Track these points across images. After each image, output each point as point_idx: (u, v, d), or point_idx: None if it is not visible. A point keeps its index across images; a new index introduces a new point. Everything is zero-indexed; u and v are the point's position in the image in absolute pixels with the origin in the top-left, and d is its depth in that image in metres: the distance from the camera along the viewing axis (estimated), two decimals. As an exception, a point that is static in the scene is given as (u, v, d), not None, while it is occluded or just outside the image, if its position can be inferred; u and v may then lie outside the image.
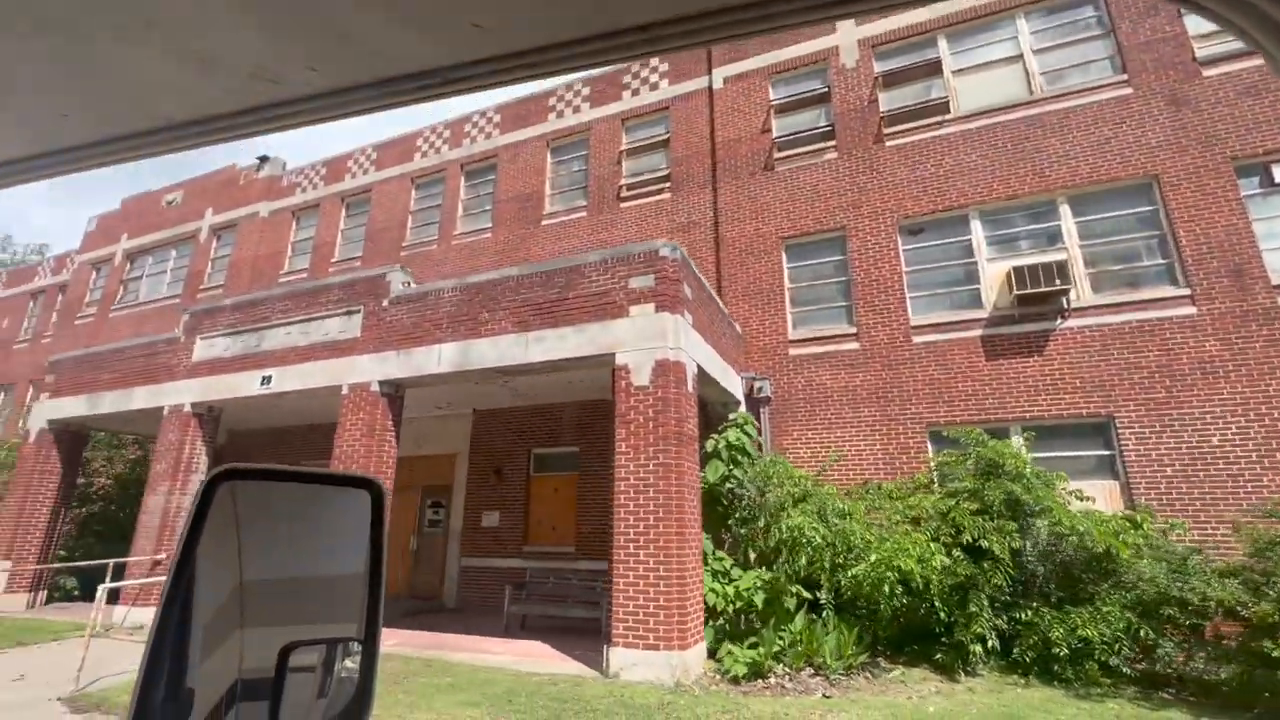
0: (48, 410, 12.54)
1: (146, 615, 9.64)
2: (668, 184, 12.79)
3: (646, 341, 7.44)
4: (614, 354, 7.60)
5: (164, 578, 0.59)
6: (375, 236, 15.96)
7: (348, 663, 0.64)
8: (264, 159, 18.86)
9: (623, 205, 13.10)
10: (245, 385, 10.22)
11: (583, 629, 9.42)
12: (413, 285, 9.64)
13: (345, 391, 9.28)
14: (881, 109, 11.18)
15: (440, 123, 16.23)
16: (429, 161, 15.94)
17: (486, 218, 14.72)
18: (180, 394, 10.86)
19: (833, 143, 11.43)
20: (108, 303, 20.14)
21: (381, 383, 9.08)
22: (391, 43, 0.58)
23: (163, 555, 10.09)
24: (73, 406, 12.18)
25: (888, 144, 10.97)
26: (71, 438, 12.74)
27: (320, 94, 0.63)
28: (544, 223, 13.83)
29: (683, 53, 11.93)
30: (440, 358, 8.70)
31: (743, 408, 9.98)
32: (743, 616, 7.43)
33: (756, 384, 10.32)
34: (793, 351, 10.60)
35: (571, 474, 11.79)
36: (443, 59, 0.60)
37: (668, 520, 6.76)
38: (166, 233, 19.90)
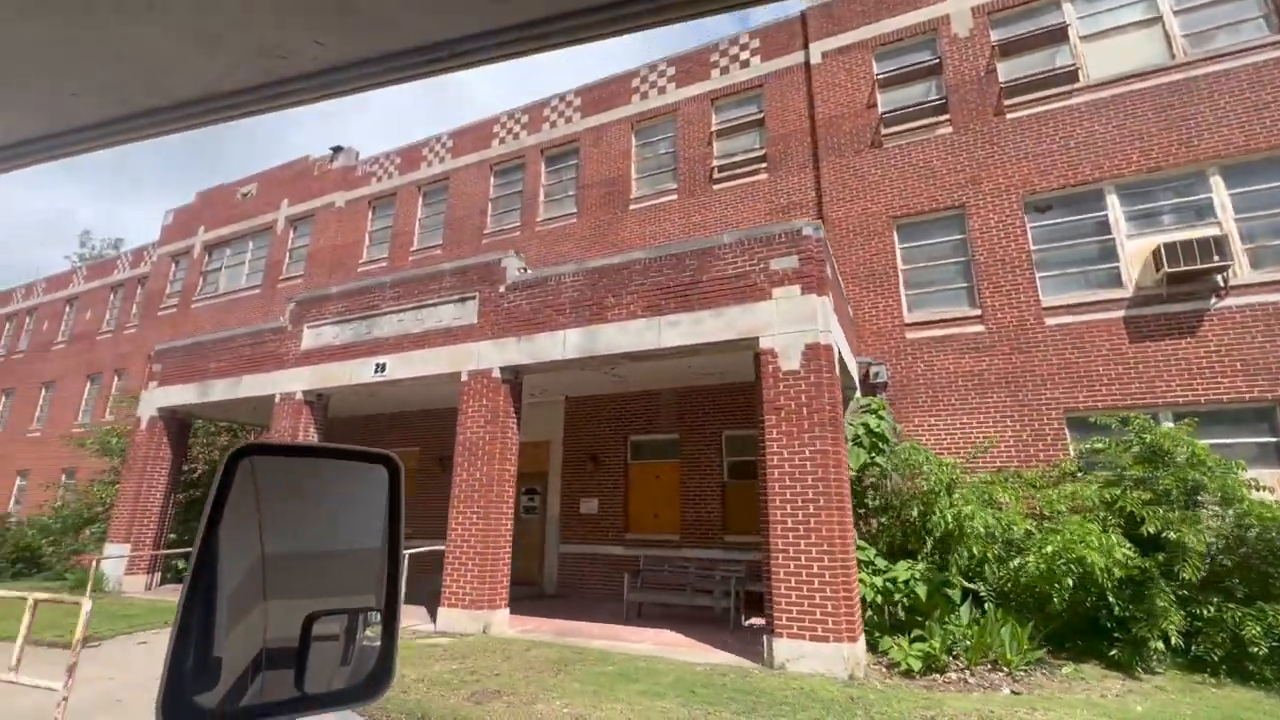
0: (157, 398, 12.87)
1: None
2: (764, 164, 12.44)
3: (794, 325, 7.19)
4: (757, 338, 7.37)
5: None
6: (455, 224, 15.96)
7: (369, 633, 0.65)
8: (337, 149, 19.01)
9: (715, 187, 12.79)
10: (357, 373, 10.29)
11: (698, 617, 9.30)
12: (528, 271, 9.53)
13: (465, 378, 9.25)
14: (1000, 79, 10.63)
15: (517, 108, 16.09)
16: (507, 148, 15.83)
17: (570, 203, 14.56)
18: (291, 382, 11.00)
19: (946, 117, 10.92)
20: (189, 294, 20.65)
21: (502, 369, 9.01)
22: (398, 15, 0.58)
23: (284, 540, 10.26)
24: (183, 394, 12.47)
25: (1009, 116, 10.43)
26: (178, 424, 13.08)
27: (327, 69, 0.63)
28: (631, 207, 13.62)
29: (774, 29, 11.36)
30: (565, 343, 8.58)
31: (858, 393, 9.67)
32: (890, 608, 7.18)
33: (873, 369, 10.00)
34: (910, 335, 10.22)
35: (672, 461, 11.65)
36: (450, 31, 0.59)
37: (829, 509, 6.54)
38: (243, 224, 20.27)
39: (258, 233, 19.92)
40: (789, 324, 7.22)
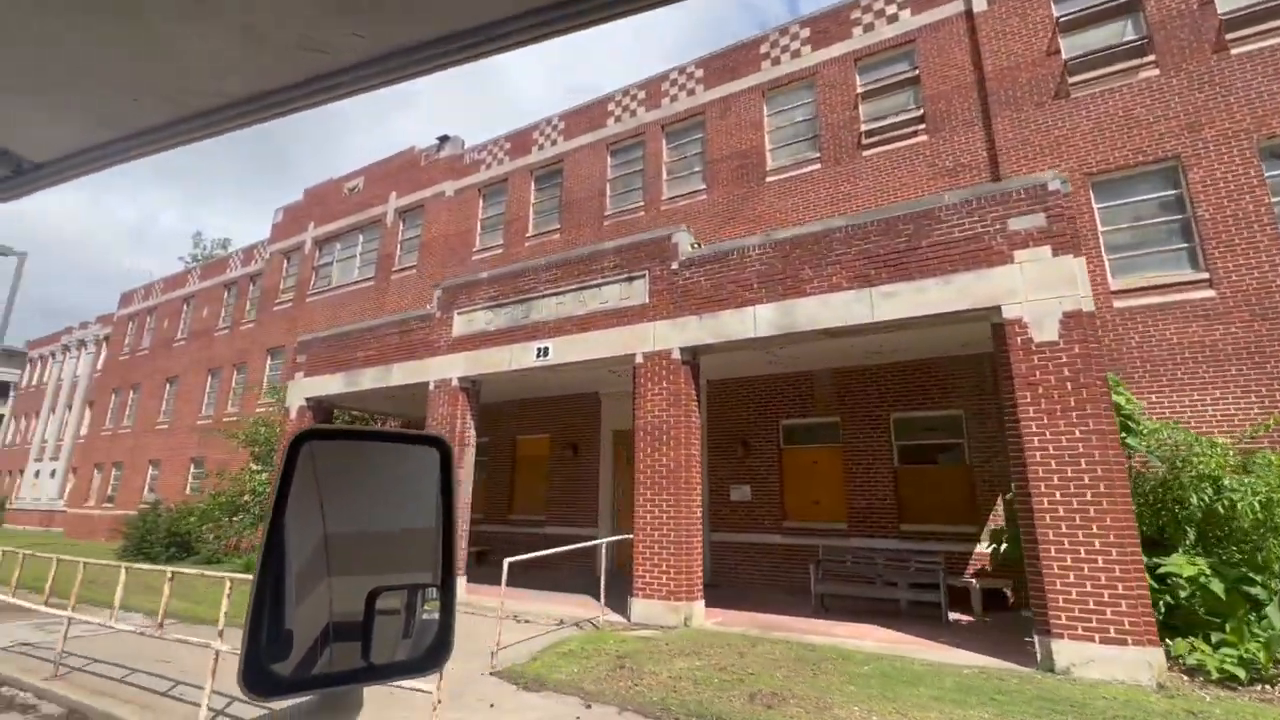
0: (305, 387, 13.12)
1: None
2: (922, 125, 11.51)
3: (1046, 290, 6.41)
4: (998, 306, 6.62)
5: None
6: (572, 208, 15.65)
7: (427, 607, 0.67)
8: (444, 138, 19.03)
9: (865, 154, 11.95)
10: (517, 357, 10.07)
11: (885, 611, 8.68)
12: (702, 246, 9.03)
13: (639, 360, 8.86)
14: (1219, 10, 9.36)
15: (632, 84, 15.58)
16: (624, 126, 15.37)
17: (697, 179, 13.99)
18: (445, 369, 10.91)
19: (1150, 58, 9.73)
20: (303, 289, 21.26)
21: (682, 349, 8.56)
22: (432, 1, 0.58)
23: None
24: (330, 384, 12.65)
25: (1233, 52, 9.17)
26: (325, 414, 13.31)
27: (367, 60, 0.64)
28: (768, 179, 12.92)
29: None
30: (755, 320, 8.04)
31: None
32: (1165, 606, 6.35)
33: (1077, 342, 9.02)
34: (1118, 304, 9.19)
35: (831, 446, 11.00)
36: (487, 15, 0.59)
37: (1110, 495, 5.78)
38: (352, 219, 20.65)
39: (367, 226, 20.25)
40: (1040, 290, 6.44)
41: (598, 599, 8.65)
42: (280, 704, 0.61)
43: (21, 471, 35.82)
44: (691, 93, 14.50)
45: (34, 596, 8.10)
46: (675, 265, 8.90)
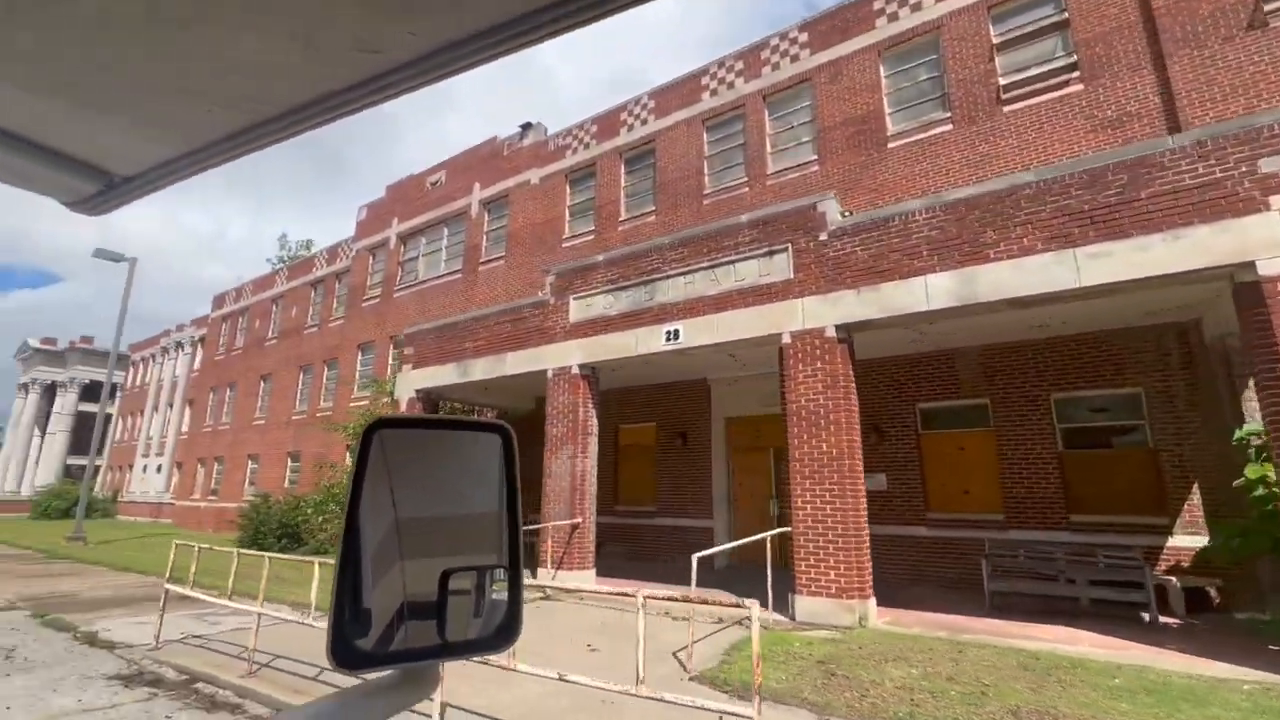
0: (413, 379, 13.10)
1: (577, 578, 9.49)
2: (1074, 73, 10.35)
3: (1319, 240, 5.42)
4: (1251, 262, 5.67)
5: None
6: (667, 188, 15.09)
7: (495, 588, 0.70)
8: (526, 126, 18.78)
9: (1005, 109, 10.87)
10: (644, 341, 9.61)
11: (1068, 610, 7.80)
12: (853, 215, 8.31)
13: (786, 340, 8.24)
14: None
15: (728, 55, 14.85)
16: (721, 99, 14.66)
17: (807, 150, 13.17)
18: (564, 356, 10.58)
19: (1374, -27, 8.35)
20: (390, 285, 21.54)
21: (837, 327, 7.89)
22: None
23: (579, 519, 9.90)
24: (440, 375, 12.56)
25: None
26: (433, 406, 13.27)
27: (419, 58, 0.65)
28: (890, 145, 12.00)
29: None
30: (927, 291, 7.28)
31: None
32: None
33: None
34: (1344, 261, 7.94)
35: (981, 430, 10.10)
36: (533, 3, 0.59)
37: None
38: (435, 213, 20.72)
39: (451, 219, 20.27)
40: (1310, 240, 5.45)
41: (731, 593, 8.11)
42: (364, 676, 0.61)
43: (130, 467, 38.25)
44: (795, 59, 13.65)
45: (180, 586, 8.15)
46: (824, 236, 8.20)
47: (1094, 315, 8.39)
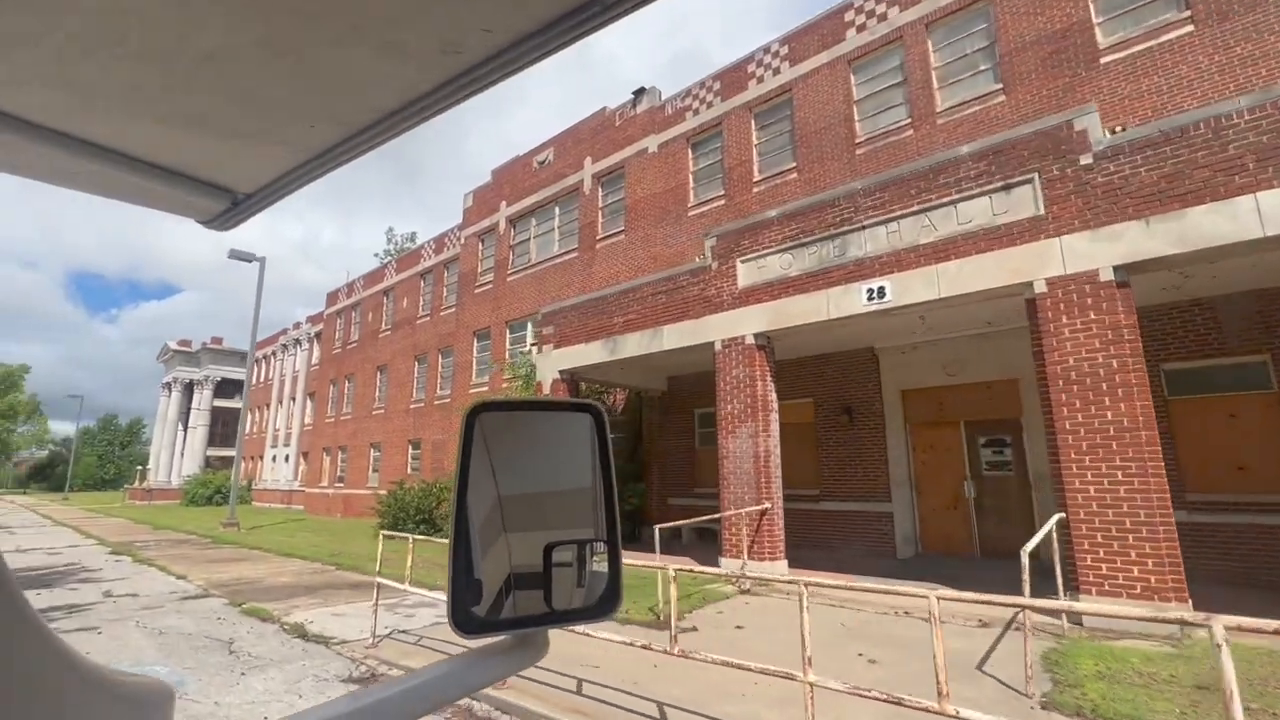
0: (555, 360, 12.53)
1: (768, 569, 8.56)
2: (1382, -63, 8.14)
3: None
4: None
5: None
6: (808, 141, 13.69)
7: (596, 560, 0.73)
8: (639, 92, 17.81)
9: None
10: (837, 303, 8.44)
11: None
12: (1126, 130, 6.75)
13: (1040, 289, 6.84)
14: None
15: (878, -17, 13.19)
16: (870, 35, 13.05)
17: (985, 79, 11.42)
18: (734, 325, 9.58)
19: None
20: (502, 269, 21.32)
21: (1117, 268, 6.41)
22: None
23: (767, 504, 8.93)
24: (585, 354, 11.90)
25: None
26: (575, 386, 12.68)
27: (494, 54, 0.67)
28: (1103, 60, 10.09)
29: None
30: (1261, 214, 5.68)
31: None
32: None
33: None
34: None
35: (1259, 393, 8.27)
36: None
37: None
38: (544, 192, 20.22)
39: (562, 197, 19.69)
40: None
41: (951, 587, 6.87)
42: (481, 641, 0.67)
43: (261, 457, 41.09)
44: (966, -25, 11.84)
45: (348, 573, 7.88)
46: (1086, 159, 6.70)
47: None
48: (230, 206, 0.97)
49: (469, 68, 0.69)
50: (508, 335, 20.63)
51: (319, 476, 31.82)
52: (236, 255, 22.85)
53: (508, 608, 0.67)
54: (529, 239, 20.69)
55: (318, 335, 36.59)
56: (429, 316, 25.93)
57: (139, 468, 51.06)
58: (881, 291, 8.02)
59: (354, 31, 0.62)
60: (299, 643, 6.48)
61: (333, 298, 34.30)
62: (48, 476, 77.25)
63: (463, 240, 23.60)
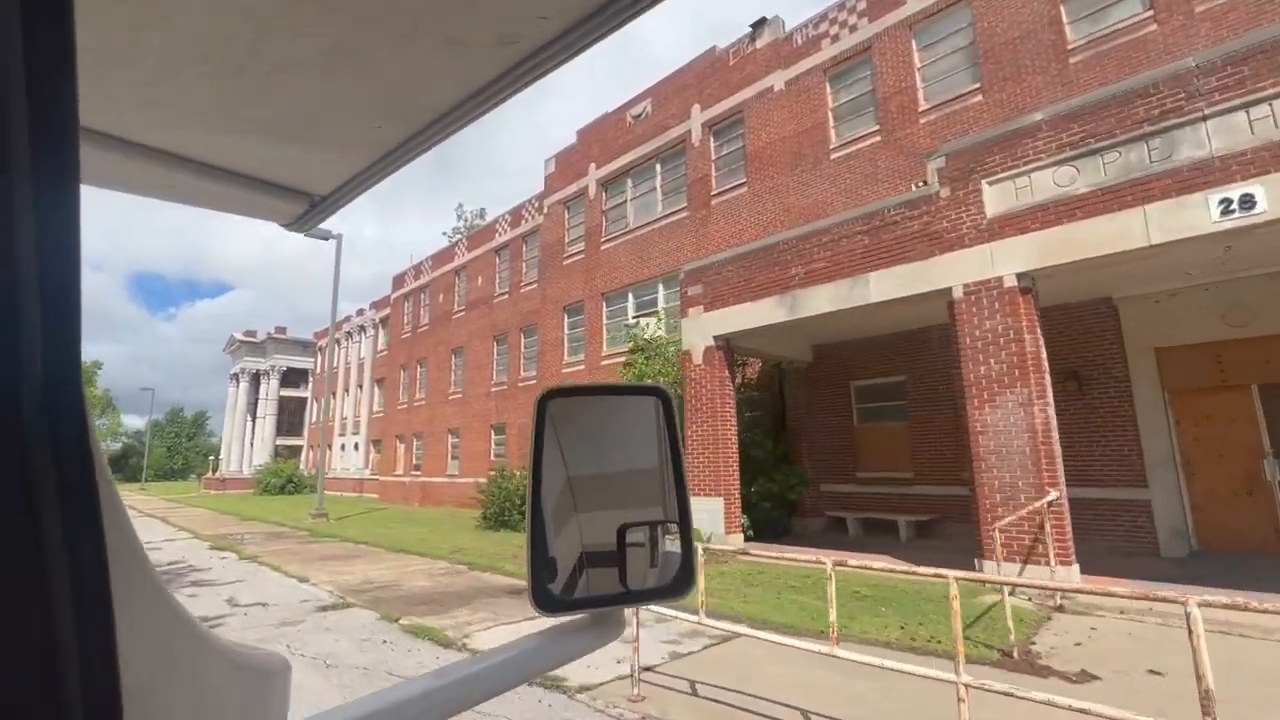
0: (707, 325, 10.66)
1: (1061, 575, 6.55)
2: None
3: None
4: None
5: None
6: (997, 53, 11.34)
7: (668, 540, 0.74)
8: (759, 23, 15.62)
9: None
10: (1159, 222, 6.27)
11: None
12: None
13: None
14: None
15: None
16: (1084, -86, 10.59)
17: (1271, -53, 8.90)
18: (984, 264, 7.51)
19: None
20: (594, 237, 19.54)
21: None
22: None
23: (1053, 492, 6.89)
24: (754, 313, 9.98)
25: None
26: (729, 354, 10.80)
27: (550, 41, 0.67)
28: None
29: None
30: None
31: None
32: None
33: None
34: None
35: None
36: None
37: None
38: (643, 149, 18.28)
39: (666, 153, 17.72)
40: None
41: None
42: (560, 619, 0.67)
43: (329, 446, 40.78)
44: None
45: (486, 574, 6.31)
46: None
47: None
48: (309, 208, 1.04)
49: (525, 56, 0.69)
50: (604, 308, 18.89)
51: (393, 465, 30.99)
52: (315, 234, 21.71)
53: (581, 586, 0.68)
54: (625, 202, 18.82)
55: (382, 321, 35.74)
56: (507, 294, 24.42)
57: (211, 458, 51.85)
58: (1247, 201, 5.82)
59: (414, 31, 0.64)
60: (523, 689, 4.82)
61: (399, 281, 33.26)
62: (122, 468, 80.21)
63: (545, 209, 21.88)
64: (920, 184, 8.38)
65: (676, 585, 0.72)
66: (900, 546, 10.37)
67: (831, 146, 13.74)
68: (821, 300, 9.07)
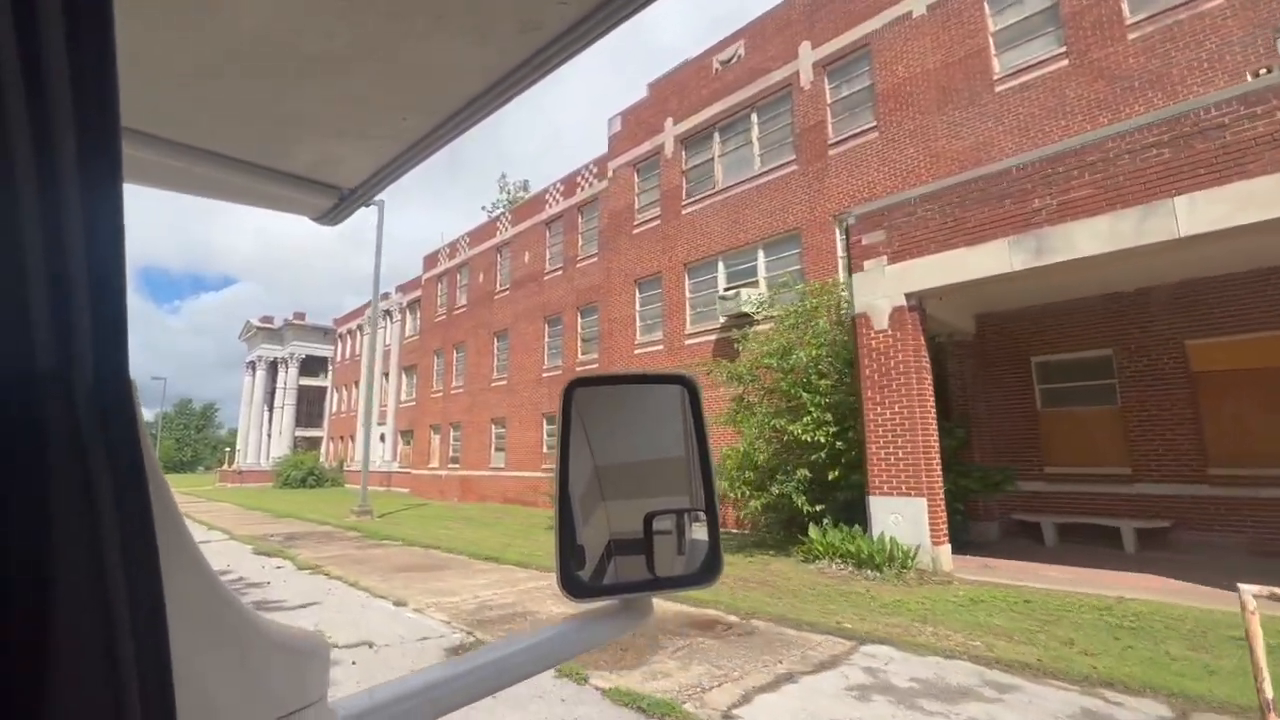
0: (895, 280, 8.44)
1: None
2: None
3: None
4: None
5: None
6: (1245, -54, 9.02)
7: (696, 528, 0.74)
8: (891, -60, 13.30)
9: None
10: None
11: None
12: None
13: None
14: None
15: None
16: None
17: None
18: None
19: None
20: (672, 201, 17.29)
21: None
22: None
23: None
24: (966, 263, 7.75)
25: None
26: (923, 316, 8.57)
27: (571, 26, 0.66)
28: None
29: None
30: None
31: None
32: None
33: None
34: None
35: None
36: None
37: None
38: (733, 98, 16.00)
39: (762, 100, 15.43)
40: None
41: None
42: (588, 605, 0.68)
43: (353, 437, 38.73)
44: None
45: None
46: None
47: None
48: (338, 202, 1.04)
49: (547, 43, 0.69)
50: (686, 280, 16.67)
51: (426, 457, 28.91)
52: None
53: (610, 573, 0.70)
54: (711, 159, 16.55)
55: (411, 305, 33.61)
56: (561, 270, 22.21)
57: (227, 449, 49.94)
58: None
59: (438, 22, 0.65)
60: None
61: (430, 261, 31.09)
62: (133, 459, 78.66)
63: (612, 173, 19.62)
64: (1265, 70, 6.14)
65: (704, 572, 0.72)
66: (1133, 559, 8.19)
67: (994, 77, 11.45)
68: (1085, 239, 6.82)
